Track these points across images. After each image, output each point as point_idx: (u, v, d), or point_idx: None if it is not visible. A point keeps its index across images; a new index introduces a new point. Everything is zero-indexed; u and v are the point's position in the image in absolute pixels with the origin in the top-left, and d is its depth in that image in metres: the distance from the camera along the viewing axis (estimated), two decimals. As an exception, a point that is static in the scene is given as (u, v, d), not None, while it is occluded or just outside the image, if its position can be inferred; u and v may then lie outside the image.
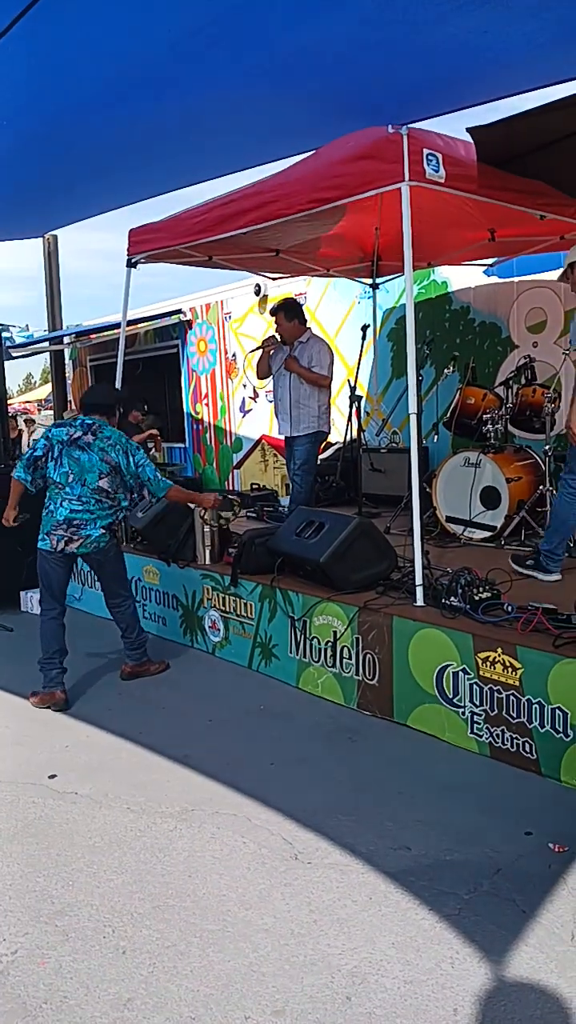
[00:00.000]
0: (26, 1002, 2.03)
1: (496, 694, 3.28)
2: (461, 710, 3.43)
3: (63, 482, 4.14)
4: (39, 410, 19.77)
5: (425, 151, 3.78)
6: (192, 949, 2.22)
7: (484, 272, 6.77)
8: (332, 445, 7.43)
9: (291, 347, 5.72)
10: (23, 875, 2.61)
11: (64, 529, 4.11)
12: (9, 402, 10.49)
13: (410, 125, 3.85)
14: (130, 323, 7.14)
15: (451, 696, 3.46)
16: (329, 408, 5.81)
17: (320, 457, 7.53)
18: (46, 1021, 1.96)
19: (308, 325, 5.87)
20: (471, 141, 4.04)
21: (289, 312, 5.73)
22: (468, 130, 3.92)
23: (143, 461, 4.27)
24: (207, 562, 4.97)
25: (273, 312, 5.86)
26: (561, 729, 3.07)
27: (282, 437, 5.97)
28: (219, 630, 4.80)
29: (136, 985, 2.08)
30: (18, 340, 12.28)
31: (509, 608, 3.50)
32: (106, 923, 2.34)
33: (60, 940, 2.27)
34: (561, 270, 4.28)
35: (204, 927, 2.31)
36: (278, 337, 5.83)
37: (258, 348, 5.91)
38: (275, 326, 5.83)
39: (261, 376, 6.07)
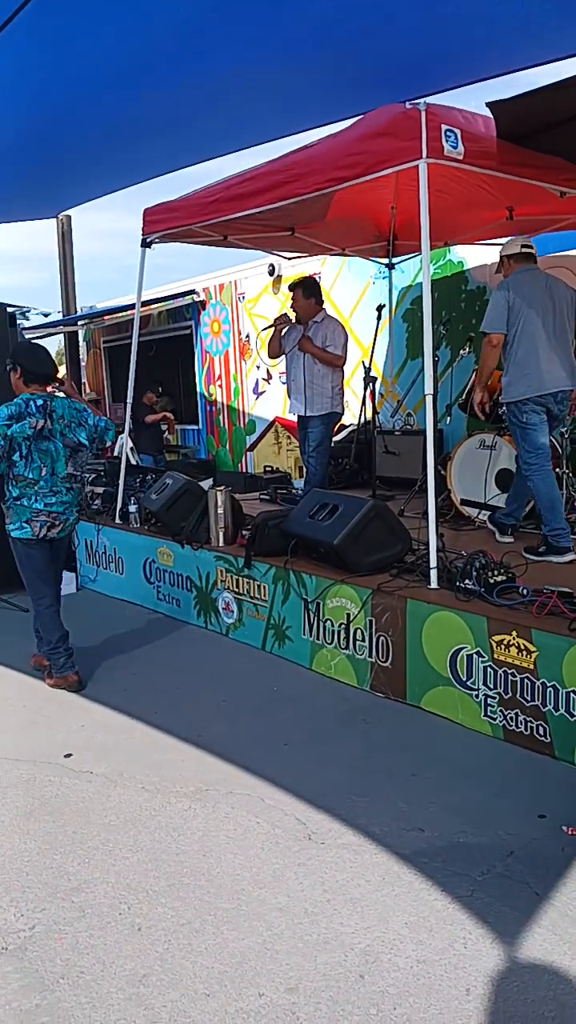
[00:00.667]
0: (43, 977, 2.06)
1: (510, 677, 3.27)
2: (475, 693, 3.42)
3: (36, 477, 3.95)
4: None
5: (443, 127, 3.71)
6: (207, 927, 2.24)
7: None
8: (346, 427, 7.39)
9: (305, 326, 5.68)
10: (40, 852, 2.64)
11: (46, 515, 4.01)
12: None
13: (427, 98, 3.78)
14: (144, 304, 7.10)
15: (465, 679, 3.46)
16: (343, 389, 5.77)
17: (334, 439, 7.51)
18: (63, 996, 1.99)
19: (324, 306, 5.82)
20: (491, 116, 3.96)
21: (307, 290, 5.68)
22: (488, 104, 3.84)
23: (95, 421, 4.15)
24: (221, 544, 4.98)
25: (291, 288, 5.80)
26: (575, 712, 3.06)
27: (295, 417, 5.94)
28: (233, 612, 4.81)
29: (152, 961, 2.11)
30: (33, 322, 12.27)
31: (524, 591, 3.48)
32: (122, 900, 2.37)
33: (77, 916, 2.30)
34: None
35: (218, 905, 2.33)
36: (291, 315, 5.78)
37: (270, 327, 5.86)
38: (291, 303, 5.77)
39: (272, 355, 6.03)
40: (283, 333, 5.81)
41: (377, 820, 2.76)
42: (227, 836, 2.71)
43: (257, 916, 2.28)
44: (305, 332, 5.65)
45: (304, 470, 6.13)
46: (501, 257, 4.55)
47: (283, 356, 5.91)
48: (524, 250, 4.46)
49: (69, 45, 4.51)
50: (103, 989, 2.01)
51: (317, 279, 6.70)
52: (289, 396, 5.93)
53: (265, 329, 6.01)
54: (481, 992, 1.97)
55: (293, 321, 5.77)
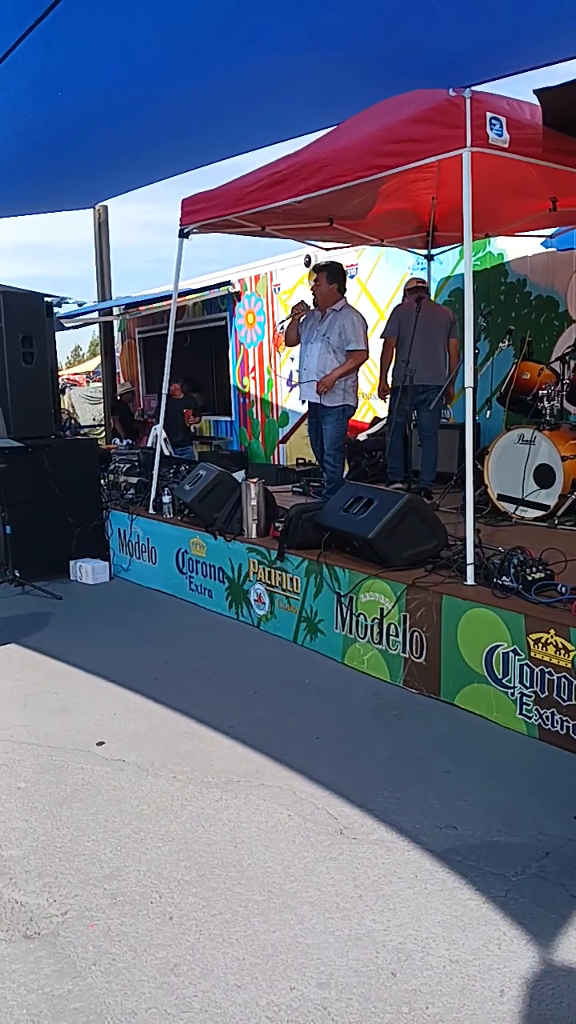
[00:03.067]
0: (76, 963, 2.07)
1: (547, 676, 3.21)
2: (510, 691, 3.37)
3: None
4: (87, 382, 19.95)
5: (489, 115, 3.65)
6: (238, 918, 2.24)
7: (542, 243, 6.57)
8: (380, 420, 7.33)
9: (323, 313, 5.58)
10: (72, 839, 2.65)
11: None
12: (59, 374, 10.60)
13: (474, 87, 3.72)
14: (179, 295, 7.11)
15: (500, 676, 3.41)
16: (356, 382, 5.67)
17: (367, 432, 7.45)
18: (95, 982, 2.00)
19: (346, 296, 5.72)
20: (536, 104, 3.88)
21: (332, 275, 5.58)
22: (535, 92, 3.77)
23: None
24: (254, 536, 4.97)
25: (316, 270, 5.69)
26: (614, 714, 3.00)
27: (306, 402, 5.86)
28: (264, 604, 4.81)
29: (183, 951, 2.11)
30: (67, 311, 12.37)
31: (563, 589, 3.42)
32: (153, 889, 2.38)
33: (109, 904, 2.31)
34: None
35: (249, 897, 2.33)
36: (308, 302, 5.70)
37: (288, 317, 5.78)
38: (312, 285, 5.67)
39: (290, 344, 5.95)
40: (300, 321, 5.73)
41: (409, 816, 2.73)
42: (258, 828, 2.70)
43: (288, 909, 2.27)
44: (322, 321, 5.56)
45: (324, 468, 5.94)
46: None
47: (299, 344, 5.84)
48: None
49: (110, 37, 4.51)
50: (134, 977, 2.02)
51: (348, 270, 6.64)
52: (300, 382, 5.86)
53: (284, 320, 5.95)
54: (515, 994, 1.94)
55: (311, 307, 5.67)
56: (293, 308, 5.78)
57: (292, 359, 9.28)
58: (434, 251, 7.14)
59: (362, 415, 7.60)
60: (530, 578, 3.51)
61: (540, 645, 3.24)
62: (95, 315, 12.10)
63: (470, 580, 3.73)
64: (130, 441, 9.96)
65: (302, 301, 5.80)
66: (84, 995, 1.96)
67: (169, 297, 6.30)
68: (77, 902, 2.32)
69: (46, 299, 6.48)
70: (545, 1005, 1.90)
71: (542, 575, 3.54)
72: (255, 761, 3.17)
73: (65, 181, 7.52)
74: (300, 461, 8.36)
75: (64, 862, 2.52)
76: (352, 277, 7.78)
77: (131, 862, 2.51)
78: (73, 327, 13.01)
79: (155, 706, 3.76)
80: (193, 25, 4.33)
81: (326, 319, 5.56)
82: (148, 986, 1.99)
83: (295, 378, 9.30)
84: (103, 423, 12.71)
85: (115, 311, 12.03)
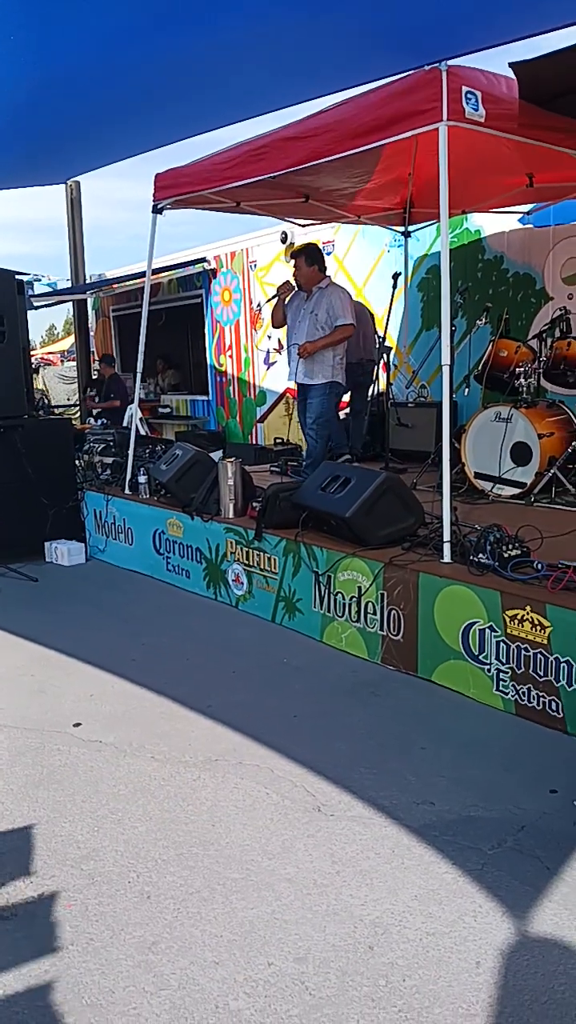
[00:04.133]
0: (53, 943, 2.06)
1: (523, 652, 3.24)
2: (487, 667, 3.39)
3: None
4: (62, 361, 19.69)
5: (464, 88, 3.60)
6: (216, 896, 2.24)
7: (519, 220, 6.55)
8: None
9: (308, 293, 5.59)
10: (49, 820, 2.64)
11: None
12: (32, 353, 10.46)
13: (449, 61, 3.66)
14: (154, 272, 7.00)
15: (477, 653, 3.43)
16: (344, 358, 5.68)
17: (343, 412, 7.42)
18: (72, 962, 2.00)
19: (328, 274, 5.72)
20: (513, 78, 3.84)
21: (310, 257, 5.60)
22: (510, 65, 3.72)
23: None
24: (231, 516, 4.95)
25: (293, 255, 5.73)
26: (589, 688, 3.03)
27: (294, 382, 5.87)
28: (243, 584, 4.79)
29: (161, 929, 2.11)
30: (39, 290, 12.18)
31: (539, 566, 3.44)
32: (131, 868, 2.37)
33: (86, 884, 2.30)
34: None
35: (227, 875, 2.33)
36: (293, 283, 5.70)
37: (273, 297, 5.79)
38: (293, 271, 5.69)
39: (276, 325, 5.96)
40: (286, 301, 5.73)
41: (387, 793, 2.75)
42: (236, 806, 2.70)
43: (266, 886, 2.28)
44: (308, 299, 5.56)
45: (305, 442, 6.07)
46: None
47: (285, 325, 5.83)
48: None
49: (78, 4, 4.38)
50: (112, 956, 2.02)
51: (324, 248, 6.60)
52: (289, 363, 5.87)
53: (269, 300, 5.93)
54: (491, 965, 1.97)
55: (295, 287, 5.68)
56: (279, 288, 5.78)
57: (269, 337, 9.21)
58: (411, 228, 7.09)
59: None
60: (506, 555, 3.53)
61: (516, 622, 3.26)
62: (69, 293, 11.91)
63: (447, 558, 3.74)
64: (105, 421, 9.85)
65: (287, 281, 5.79)
66: (62, 975, 1.96)
67: (143, 275, 6.19)
68: (54, 883, 2.31)
69: (17, 277, 6.35)
70: (520, 976, 1.93)
71: (518, 552, 3.56)
72: (233, 740, 3.17)
73: (35, 155, 7.35)
74: (278, 440, 8.33)
75: (41, 843, 2.51)
76: (329, 254, 7.71)
77: (108, 842, 2.51)
78: (43, 306, 12.81)
79: (132, 687, 3.74)
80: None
81: (312, 298, 5.58)
82: (126, 964, 1.99)
83: (272, 357, 9.25)
84: (77, 403, 12.57)
85: (88, 291, 11.84)
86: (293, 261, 5.70)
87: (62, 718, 3.42)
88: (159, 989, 1.91)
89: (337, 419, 6.04)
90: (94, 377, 11.70)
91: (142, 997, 1.88)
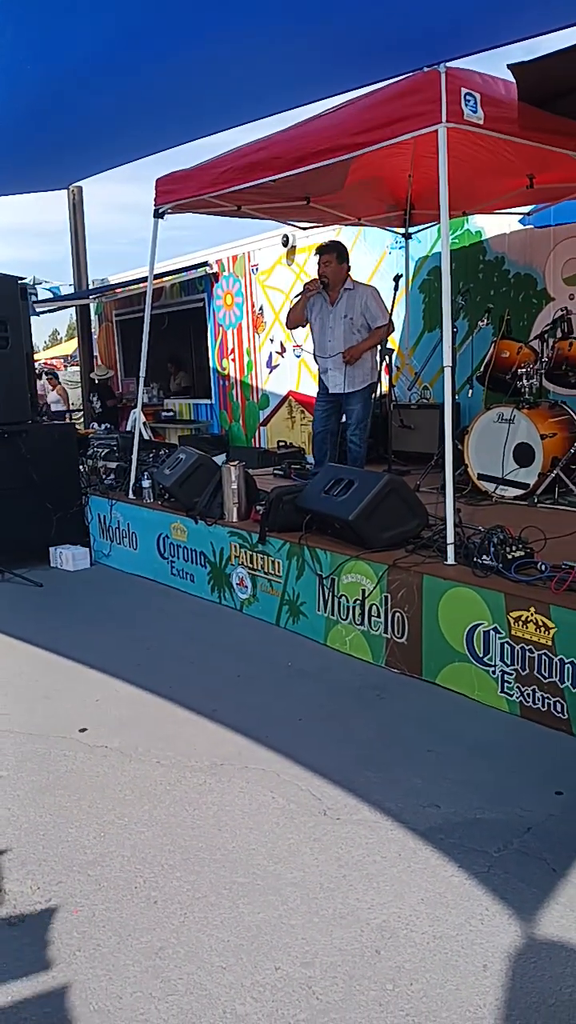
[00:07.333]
0: (60, 949, 2.07)
1: (528, 653, 3.24)
2: (491, 669, 3.39)
3: None
4: (65, 366, 19.74)
5: (463, 90, 3.61)
6: (222, 900, 2.24)
7: (520, 221, 6.55)
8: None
9: (334, 295, 5.51)
10: (55, 825, 2.65)
11: None
12: (36, 358, 10.48)
13: (448, 63, 3.67)
14: (156, 277, 7.02)
15: (481, 655, 3.43)
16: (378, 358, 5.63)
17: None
18: (80, 968, 2.00)
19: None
20: (511, 80, 3.84)
21: (342, 255, 5.53)
22: (509, 67, 3.73)
23: None
24: (235, 519, 4.95)
25: (324, 251, 5.57)
26: (594, 690, 3.03)
27: (312, 393, 5.83)
28: (247, 587, 4.80)
29: (168, 934, 2.11)
30: (42, 295, 12.22)
31: (543, 567, 3.43)
32: (137, 874, 2.38)
33: (93, 889, 2.31)
34: None
35: (234, 879, 2.33)
36: (319, 282, 5.61)
37: (300, 295, 5.61)
38: (321, 266, 5.55)
39: (292, 325, 5.86)
40: (309, 302, 5.65)
41: (392, 796, 2.75)
42: (242, 811, 2.70)
43: (272, 890, 2.28)
44: (335, 303, 5.49)
45: (348, 447, 5.80)
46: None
47: (301, 326, 5.76)
48: None
49: (75, 11, 4.39)
50: (119, 961, 2.02)
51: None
52: (324, 371, 5.74)
53: (298, 296, 5.72)
54: (498, 968, 1.96)
55: (323, 287, 5.58)
56: (306, 285, 5.61)
57: (271, 340, 9.22)
58: (412, 229, 7.09)
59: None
60: (510, 557, 3.52)
61: (520, 623, 3.25)
62: (71, 299, 11.95)
63: (450, 560, 3.74)
64: (108, 426, 9.87)
65: (315, 279, 5.61)
66: (69, 981, 1.96)
67: (146, 279, 6.20)
68: (61, 888, 2.32)
69: (20, 282, 6.37)
70: (527, 979, 1.93)
71: (522, 553, 3.56)
72: (238, 744, 3.18)
73: (37, 161, 7.37)
74: (281, 444, 8.33)
75: (48, 849, 2.52)
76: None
77: (115, 847, 2.51)
78: (46, 311, 12.85)
79: (138, 691, 3.75)
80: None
81: (340, 300, 5.47)
82: (133, 970, 1.99)
83: (275, 360, 9.25)
84: (81, 408, 12.59)
85: (91, 296, 11.87)
86: (321, 256, 5.54)
87: (67, 723, 3.43)
88: (166, 994, 1.91)
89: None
90: (95, 383, 11.73)
91: (149, 1002, 1.88)
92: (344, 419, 5.73)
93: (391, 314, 5.99)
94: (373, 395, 5.79)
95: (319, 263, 5.57)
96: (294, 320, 5.76)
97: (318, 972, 1.97)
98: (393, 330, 5.61)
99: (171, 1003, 1.88)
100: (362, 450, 5.69)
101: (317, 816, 2.65)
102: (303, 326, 5.78)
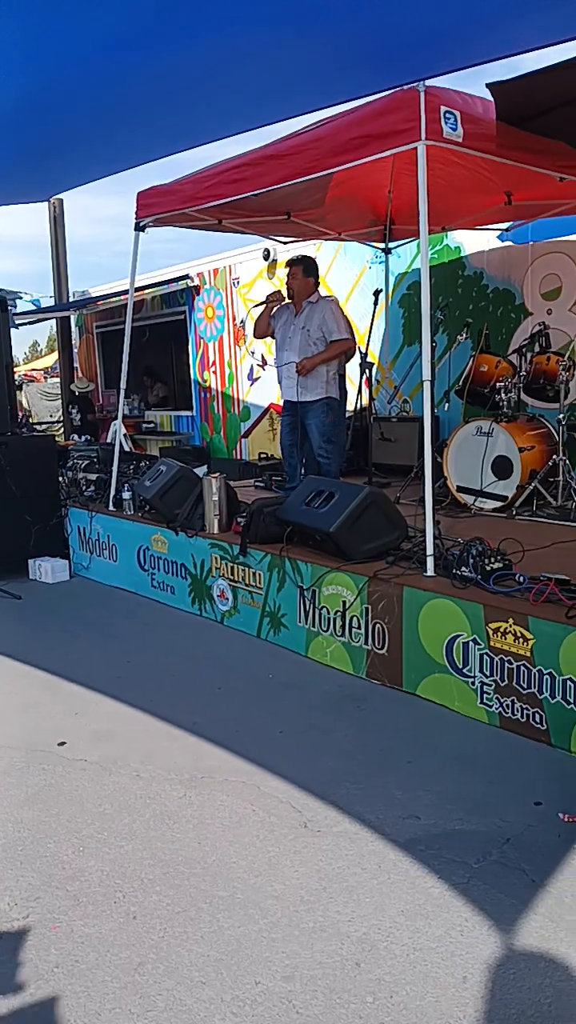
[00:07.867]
0: (38, 966, 2.04)
1: (507, 665, 3.26)
2: (471, 680, 3.41)
3: None
4: (45, 378, 19.65)
5: (442, 108, 3.67)
6: (202, 915, 2.23)
7: (498, 237, 6.64)
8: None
9: (298, 307, 5.57)
10: (34, 840, 2.62)
11: None
12: (15, 370, 10.43)
13: (427, 81, 3.73)
14: (137, 289, 7.03)
15: (461, 666, 3.45)
16: (338, 373, 5.65)
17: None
18: (58, 984, 1.98)
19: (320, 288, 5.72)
20: (490, 99, 3.91)
21: (308, 269, 5.57)
22: (488, 86, 3.80)
23: None
24: (216, 531, 4.95)
25: (291, 264, 5.64)
26: (572, 700, 3.05)
27: (288, 400, 5.81)
28: (228, 599, 4.79)
29: (147, 950, 2.09)
30: (22, 307, 12.17)
31: (521, 579, 3.46)
32: (116, 888, 2.36)
33: (71, 905, 2.28)
34: None
35: (214, 893, 2.32)
36: (284, 293, 5.67)
37: (262, 303, 5.70)
38: (288, 279, 5.62)
39: (259, 335, 5.90)
40: (273, 312, 5.70)
41: (372, 808, 2.75)
42: (222, 824, 2.69)
43: (253, 904, 2.27)
44: (298, 314, 5.55)
45: (318, 463, 5.72)
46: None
47: (268, 336, 5.80)
48: None
49: (53, 21, 4.40)
50: (98, 978, 2.00)
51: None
52: (279, 380, 5.82)
53: (257, 306, 5.83)
54: (478, 980, 1.97)
55: (286, 299, 5.65)
56: (268, 296, 5.67)
57: (252, 353, 9.25)
58: (391, 244, 7.17)
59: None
60: (489, 568, 3.55)
61: (499, 634, 3.28)
62: (52, 311, 11.92)
63: (430, 571, 3.76)
64: (89, 437, 9.84)
65: (278, 291, 5.69)
66: (47, 998, 1.93)
67: (127, 292, 6.20)
68: (39, 904, 2.29)
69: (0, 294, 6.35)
70: (507, 990, 1.93)
71: (500, 565, 3.59)
72: (218, 757, 3.16)
73: (17, 173, 7.36)
74: (262, 456, 8.35)
75: (25, 864, 2.49)
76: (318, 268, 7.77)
77: (94, 862, 2.49)
78: (26, 323, 12.80)
79: (117, 705, 3.72)
80: (143, 7, 4.25)
81: (302, 312, 5.52)
82: (112, 986, 1.97)
83: (256, 372, 9.28)
84: (60, 420, 12.54)
85: (71, 309, 11.85)
86: (289, 269, 5.61)
87: (46, 736, 3.40)
88: (145, 1011, 1.89)
89: (342, 436, 5.85)
90: (76, 394, 11.69)
91: (128, 1019, 1.87)
92: (306, 433, 5.70)
93: (370, 328, 6.04)
94: (338, 409, 5.72)
95: (287, 275, 5.65)
96: (260, 330, 5.81)
97: (299, 986, 1.96)
98: (355, 345, 5.62)
99: (150, 1019, 1.86)
100: (333, 465, 5.67)
101: (297, 829, 2.65)
102: (271, 336, 5.82)
